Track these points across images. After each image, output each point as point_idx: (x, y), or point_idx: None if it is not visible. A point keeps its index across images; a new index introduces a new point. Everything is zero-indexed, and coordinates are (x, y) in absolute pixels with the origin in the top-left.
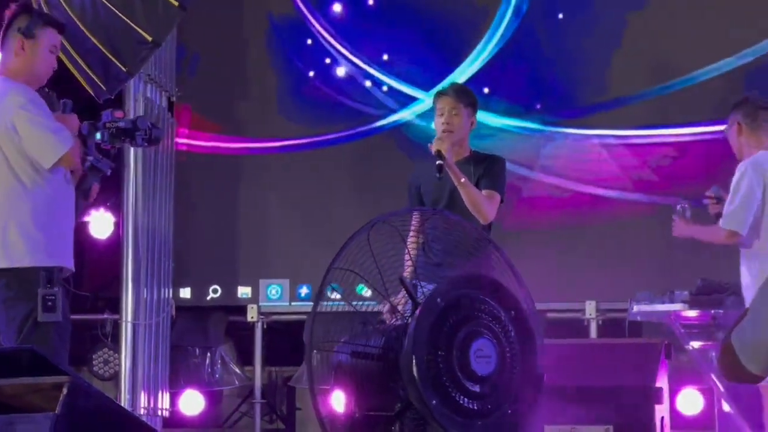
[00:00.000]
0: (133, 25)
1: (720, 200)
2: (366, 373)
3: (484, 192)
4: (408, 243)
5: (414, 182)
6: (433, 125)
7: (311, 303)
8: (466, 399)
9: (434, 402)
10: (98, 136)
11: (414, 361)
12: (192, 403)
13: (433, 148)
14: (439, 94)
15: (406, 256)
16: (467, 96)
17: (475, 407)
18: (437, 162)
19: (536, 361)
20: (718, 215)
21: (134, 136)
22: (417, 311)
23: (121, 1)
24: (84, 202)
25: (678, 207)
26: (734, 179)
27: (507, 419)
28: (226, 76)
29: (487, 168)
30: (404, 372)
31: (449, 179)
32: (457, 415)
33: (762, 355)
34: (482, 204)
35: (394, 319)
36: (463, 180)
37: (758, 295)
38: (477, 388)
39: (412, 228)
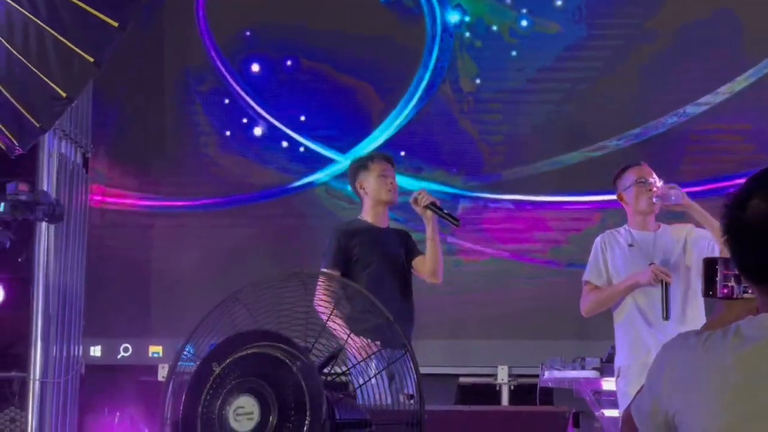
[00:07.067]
0: (47, 80)
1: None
2: None
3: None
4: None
5: (344, 242)
6: (360, 185)
7: None
8: None
9: None
10: (1, 207)
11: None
12: None
13: (425, 200)
14: (388, 159)
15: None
16: None
17: None
18: (446, 212)
19: (316, 415)
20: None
21: (35, 209)
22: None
23: (36, 56)
24: None
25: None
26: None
27: None
28: (143, 134)
29: (412, 240)
30: None
31: (384, 241)
32: None
33: (658, 425)
34: (442, 263)
35: None
36: (437, 237)
37: (654, 366)
38: None
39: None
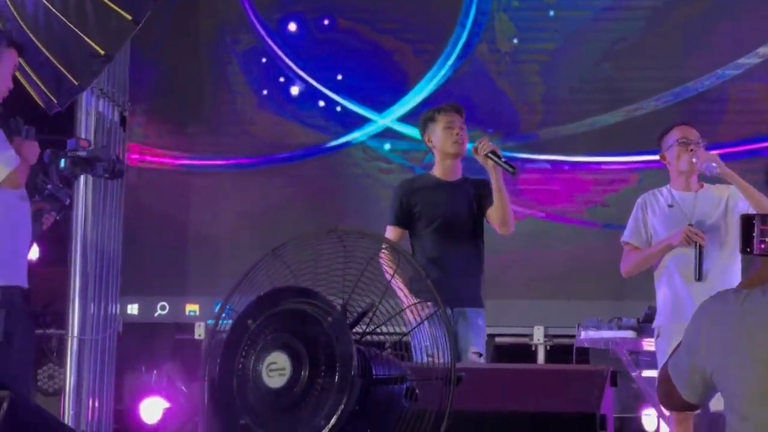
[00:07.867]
0: (85, 38)
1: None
2: None
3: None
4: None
5: (405, 200)
6: (429, 139)
7: None
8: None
9: (242, 421)
10: (62, 163)
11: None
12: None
13: (485, 148)
14: (457, 109)
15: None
16: None
17: (277, 422)
18: (504, 160)
19: (346, 371)
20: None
21: (95, 165)
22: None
23: (75, 14)
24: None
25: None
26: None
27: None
28: (179, 93)
29: (488, 189)
30: None
31: (451, 197)
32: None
33: (695, 383)
34: (512, 213)
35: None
36: (502, 186)
37: (691, 324)
38: (270, 402)
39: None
